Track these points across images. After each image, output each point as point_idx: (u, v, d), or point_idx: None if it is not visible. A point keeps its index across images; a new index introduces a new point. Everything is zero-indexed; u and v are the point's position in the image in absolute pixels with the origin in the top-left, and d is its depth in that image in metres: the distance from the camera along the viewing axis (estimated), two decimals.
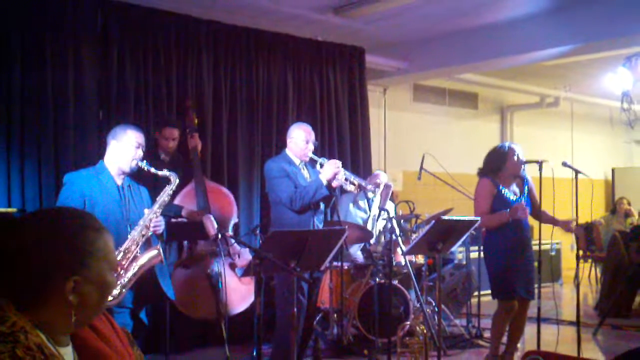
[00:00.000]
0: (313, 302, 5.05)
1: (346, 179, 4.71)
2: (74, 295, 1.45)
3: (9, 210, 4.70)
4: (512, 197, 4.90)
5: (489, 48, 7.10)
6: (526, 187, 5.00)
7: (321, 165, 4.78)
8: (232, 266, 5.23)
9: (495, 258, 4.91)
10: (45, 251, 1.44)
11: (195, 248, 5.20)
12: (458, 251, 7.69)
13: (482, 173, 5.03)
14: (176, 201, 5.17)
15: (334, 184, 4.68)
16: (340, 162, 4.72)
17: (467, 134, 9.86)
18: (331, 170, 4.62)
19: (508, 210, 4.76)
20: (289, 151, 4.88)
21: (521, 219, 4.78)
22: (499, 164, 4.93)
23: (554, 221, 5.01)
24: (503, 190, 4.89)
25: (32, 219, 1.52)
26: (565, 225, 4.95)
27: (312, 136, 4.87)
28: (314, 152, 4.88)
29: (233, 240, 5.02)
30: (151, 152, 5.42)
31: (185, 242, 5.30)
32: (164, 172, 4.04)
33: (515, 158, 4.89)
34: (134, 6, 5.61)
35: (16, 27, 4.99)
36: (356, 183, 4.76)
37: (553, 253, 9.18)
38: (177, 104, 5.81)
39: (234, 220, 5.39)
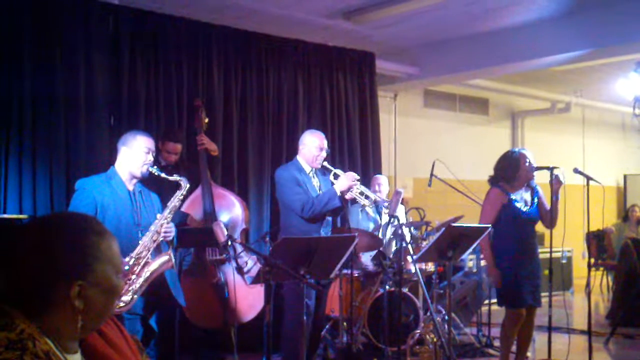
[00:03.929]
0: (321, 310, 5.02)
1: (361, 193, 4.69)
2: (80, 300, 1.44)
3: (20, 217, 4.70)
4: (524, 208, 4.85)
5: (499, 53, 7.07)
6: (536, 198, 4.95)
7: (336, 177, 4.75)
8: (241, 273, 5.19)
9: (502, 266, 4.87)
10: (48, 256, 1.43)
11: (203, 255, 5.15)
12: (469, 259, 7.64)
13: (493, 181, 4.98)
14: (184, 207, 5.14)
15: (348, 196, 4.66)
16: (358, 176, 4.70)
17: (477, 140, 9.83)
18: (347, 182, 4.61)
19: (495, 270, 4.81)
20: (300, 158, 4.86)
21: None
22: (512, 172, 4.86)
23: (552, 201, 4.84)
24: (514, 200, 4.84)
25: (34, 225, 1.52)
26: (553, 185, 4.79)
27: (325, 144, 4.86)
28: (328, 161, 4.87)
29: (241, 248, 4.98)
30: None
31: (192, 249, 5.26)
32: (175, 177, 4.05)
33: (527, 164, 4.85)
34: (145, 12, 5.63)
35: (28, 33, 5.01)
36: (372, 197, 4.74)
37: (564, 261, 9.11)
38: (187, 106, 5.80)
39: (242, 226, 5.35)
